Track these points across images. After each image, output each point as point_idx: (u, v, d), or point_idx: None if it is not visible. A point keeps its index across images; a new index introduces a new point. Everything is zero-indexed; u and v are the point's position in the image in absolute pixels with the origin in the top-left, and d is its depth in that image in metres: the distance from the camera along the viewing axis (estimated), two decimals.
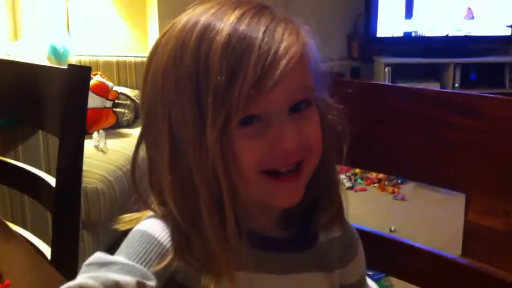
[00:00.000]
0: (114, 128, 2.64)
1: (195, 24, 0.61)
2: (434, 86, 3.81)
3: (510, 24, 3.83)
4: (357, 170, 3.47)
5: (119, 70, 2.90)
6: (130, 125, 2.72)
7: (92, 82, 2.49)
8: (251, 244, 0.66)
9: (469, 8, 3.86)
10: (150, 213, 0.66)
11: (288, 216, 0.70)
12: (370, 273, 2.55)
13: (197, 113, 0.60)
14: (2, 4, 2.79)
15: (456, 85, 3.84)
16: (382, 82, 3.79)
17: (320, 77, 0.67)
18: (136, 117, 2.74)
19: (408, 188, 3.32)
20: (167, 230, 0.62)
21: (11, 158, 1.57)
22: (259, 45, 0.58)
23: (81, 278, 0.54)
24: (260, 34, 0.59)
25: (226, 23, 0.60)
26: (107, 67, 2.90)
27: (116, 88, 2.69)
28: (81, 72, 1.16)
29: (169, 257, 0.60)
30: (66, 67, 1.18)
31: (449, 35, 3.91)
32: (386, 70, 3.87)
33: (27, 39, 2.81)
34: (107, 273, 0.55)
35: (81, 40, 3.10)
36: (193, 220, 0.61)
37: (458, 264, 0.86)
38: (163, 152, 0.63)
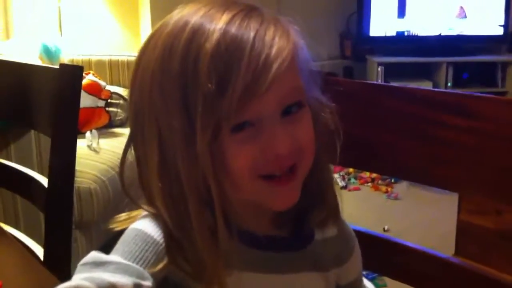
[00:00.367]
0: (107, 128, 2.63)
1: (184, 27, 0.60)
2: (427, 85, 3.82)
3: (502, 24, 3.85)
4: (351, 170, 3.48)
5: (112, 69, 2.89)
6: (123, 124, 2.71)
7: (84, 82, 2.48)
8: (246, 244, 0.66)
9: (461, 7, 3.87)
10: (145, 212, 0.65)
11: (283, 216, 0.69)
12: (364, 272, 2.55)
13: (186, 120, 0.59)
14: None
15: (449, 84, 3.86)
16: (374, 82, 3.80)
17: (311, 76, 0.67)
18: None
19: (402, 187, 3.33)
20: (162, 229, 0.62)
21: (3, 158, 1.56)
22: (249, 51, 0.57)
23: (76, 278, 0.54)
24: (250, 39, 0.58)
25: (216, 27, 0.58)
26: (99, 66, 2.89)
27: (108, 87, 2.68)
28: (74, 72, 1.16)
29: (165, 260, 0.60)
30: (58, 66, 1.17)
31: (442, 34, 3.92)
32: (378, 69, 3.87)
33: (19, 38, 2.79)
34: (103, 274, 0.54)
35: (73, 39, 3.09)
36: (183, 226, 0.60)
37: (451, 264, 0.86)
38: (151, 157, 0.62)
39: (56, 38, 2.88)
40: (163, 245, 0.60)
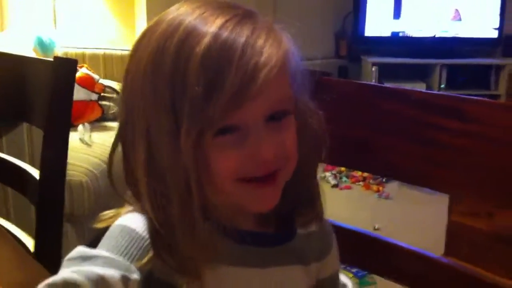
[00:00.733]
0: (99, 121, 2.63)
1: (177, 27, 0.60)
2: (420, 87, 3.83)
3: (497, 27, 3.87)
4: (343, 168, 3.49)
5: (106, 63, 2.88)
6: (116, 118, 2.70)
7: (78, 75, 2.47)
8: (229, 238, 0.66)
9: (456, 10, 3.89)
10: (130, 208, 0.66)
11: (267, 216, 0.70)
12: (353, 270, 2.56)
13: (173, 120, 0.59)
14: None
15: (442, 85, 3.87)
16: (369, 83, 3.81)
17: (301, 82, 0.67)
18: None
19: (393, 187, 3.34)
20: (147, 224, 0.63)
21: None
22: (238, 57, 0.58)
23: (64, 272, 0.54)
24: (241, 45, 0.58)
25: (208, 30, 0.59)
26: (93, 59, 2.88)
27: (102, 81, 2.67)
28: (67, 65, 1.16)
29: (151, 253, 0.60)
30: (52, 59, 1.17)
31: (436, 36, 3.93)
32: (373, 69, 3.89)
33: (13, 30, 2.78)
34: (90, 267, 0.55)
35: (67, 32, 3.08)
36: (166, 222, 0.61)
37: (441, 264, 0.87)
38: (139, 154, 0.62)
39: (51, 31, 2.87)
40: (148, 240, 0.61)
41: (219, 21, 0.59)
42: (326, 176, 3.41)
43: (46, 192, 1.17)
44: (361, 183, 3.43)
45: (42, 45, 2.72)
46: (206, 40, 0.58)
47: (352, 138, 0.94)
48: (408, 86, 3.66)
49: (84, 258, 0.57)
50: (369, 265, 0.98)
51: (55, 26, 3.07)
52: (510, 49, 3.93)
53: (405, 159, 0.88)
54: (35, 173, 1.21)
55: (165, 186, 0.61)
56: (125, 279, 0.56)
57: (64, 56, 2.77)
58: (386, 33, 3.95)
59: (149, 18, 3.15)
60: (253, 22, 0.61)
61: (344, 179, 3.47)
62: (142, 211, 0.63)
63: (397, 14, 3.92)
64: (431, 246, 2.20)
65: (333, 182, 3.38)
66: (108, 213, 0.67)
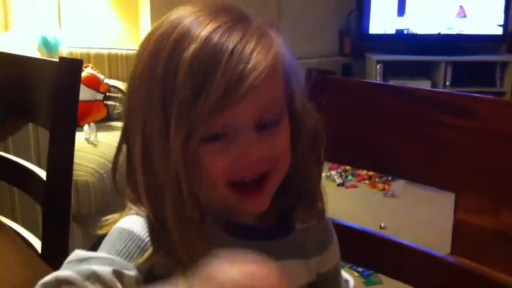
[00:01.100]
0: (105, 121, 2.63)
1: (173, 30, 0.62)
2: (425, 84, 3.83)
3: (501, 23, 3.85)
4: (348, 167, 3.48)
5: (111, 62, 2.89)
6: (121, 118, 2.70)
7: (83, 75, 2.48)
8: (228, 233, 0.68)
9: (461, 7, 3.88)
10: (130, 212, 0.68)
11: (265, 213, 0.71)
12: (359, 269, 2.56)
13: (164, 121, 0.61)
14: None
15: (447, 83, 3.86)
16: (373, 81, 3.80)
17: (296, 84, 0.68)
18: None
19: (398, 185, 3.33)
20: (146, 225, 0.65)
21: (1, 151, 1.56)
22: (225, 63, 0.59)
23: (57, 271, 0.56)
24: (228, 51, 0.59)
25: (199, 35, 0.60)
26: (98, 59, 2.89)
27: (107, 80, 2.68)
28: (73, 65, 1.16)
29: (149, 251, 0.63)
30: (57, 59, 1.17)
31: (441, 33, 3.92)
32: (377, 67, 3.88)
33: (18, 30, 2.79)
34: (86, 266, 0.57)
35: (72, 32, 3.08)
36: (162, 218, 0.63)
37: (446, 262, 0.87)
38: (136, 151, 0.65)
39: (55, 31, 2.87)
40: (146, 240, 0.63)
41: (210, 26, 0.61)
42: (331, 174, 3.41)
43: (53, 192, 1.18)
44: (366, 181, 3.43)
45: (46, 45, 2.73)
46: (196, 44, 0.60)
47: (358, 137, 0.94)
48: (413, 83, 3.66)
49: (81, 260, 0.59)
50: (375, 264, 0.98)
51: (60, 25, 3.08)
52: None
53: (411, 157, 0.88)
54: (42, 173, 1.21)
55: (158, 182, 0.63)
56: (118, 274, 0.57)
57: (69, 56, 2.78)
58: (391, 30, 3.94)
59: (153, 17, 3.15)
60: (244, 28, 0.62)
61: (349, 177, 3.47)
62: (141, 211, 0.66)
63: (401, 11, 3.91)
64: (437, 244, 2.20)
65: (338, 180, 3.38)
66: (109, 218, 0.69)
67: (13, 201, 2.04)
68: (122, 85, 2.77)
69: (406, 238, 0.92)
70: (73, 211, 2.04)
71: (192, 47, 0.60)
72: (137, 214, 0.66)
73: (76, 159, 1.19)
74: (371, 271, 2.31)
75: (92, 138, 2.36)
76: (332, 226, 0.80)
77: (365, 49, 4.11)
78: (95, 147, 2.31)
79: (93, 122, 2.47)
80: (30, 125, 2.04)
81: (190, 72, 0.59)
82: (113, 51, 2.89)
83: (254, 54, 0.60)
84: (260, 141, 0.63)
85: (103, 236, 0.66)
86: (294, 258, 0.73)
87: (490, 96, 0.83)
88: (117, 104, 2.73)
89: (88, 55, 2.90)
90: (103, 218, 0.69)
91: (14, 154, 1.42)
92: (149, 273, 0.62)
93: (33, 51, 2.65)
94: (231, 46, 0.60)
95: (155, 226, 0.64)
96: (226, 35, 0.60)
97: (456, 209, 2.24)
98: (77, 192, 2.05)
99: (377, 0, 3.90)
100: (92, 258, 0.59)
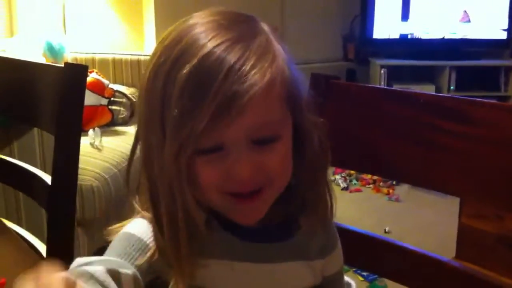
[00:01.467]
0: (109, 126, 2.64)
1: (176, 45, 0.62)
2: (430, 89, 3.82)
3: (505, 28, 3.85)
4: (352, 171, 3.48)
5: (115, 67, 2.90)
6: (125, 123, 2.72)
7: (88, 80, 2.48)
8: (232, 235, 0.69)
9: (465, 11, 3.88)
10: (135, 217, 0.69)
11: (269, 213, 0.70)
12: (364, 273, 2.56)
13: (160, 134, 0.62)
14: None
15: (452, 87, 3.86)
16: (377, 85, 3.80)
17: (299, 97, 0.67)
18: (131, 115, 2.74)
19: (403, 189, 3.33)
20: (150, 228, 0.66)
21: (6, 155, 1.56)
22: (219, 83, 0.58)
23: None
24: (224, 72, 0.59)
25: (199, 51, 0.60)
26: (103, 64, 2.90)
27: (112, 85, 2.69)
28: (78, 70, 1.16)
29: (150, 252, 0.64)
30: (62, 64, 1.18)
31: (445, 37, 3.92)
32: (381, 72, 3.88)
33: (23, 35, 2.80)
34: (79, 268, 0.58)
35: (77, 37, 3.09)
36: (160, 224, 0.65)
37: (451, 267, 0.87)
38: (141, 158, 0.67)
39: (60, 36, 2.88)
40: (148, 242, 0.65)
41: (211, 43, 0.60)
42: (335, 179, 3.41)
43: (58, 197, 1.18)
44: (371, 186, 3.43)
45: (51, 50, 2.74)
46: (194, 62, 0.60)
47: (362, 141, 0.94)
48: (417, 88, 3.66)
49: (81, 265, 0.60)
50: (379, 268, 0.98)
51: (65, 31, 3.09)
52: None
53: (415, 162, 0.89)
54: (47, 178, 1.22)
55: (156, 189, 0.65)
56: (112, 272, 0.58)
57: (74, 61, 2.79)
58: (395, 35, 3.94)
59: (157, 23, 3.16)
60: (245, 46, 0.61)
61: (354, 182, 3.47)
62: (147, 214, 0.68)
63: (405, 16, 3.91)
64: (442, 248, 2.20)
65: (342, 185, 3.38)
66: (118, 224, 0.70)
67: (18, 205, 2.05)
68: (126, 90, 2.78)
69: (410, 242, 0.92)
70: (77, 215, 2.05)
71: (189, 65, 0.60)
72: (143, 217, 0.68)
73: (80, 164, 1.19)
74: (376, 276, 2.31)
75: (96, 143, 2.37)
76: (336, 231, 0.79)
77: (369, 54, 4.11)
78: (100, 152, 2.31)
79: (97, 127, 2.48)
80: (35, 130, 2.05)
81: (185, 89, 0.59)
82: (117, 56, 2.90)
83: (250, 75, 0.59)
84: (252, 158, 0.62)
85: (108, 241, 0.67)
86: (297, 260, 0.74)
87: (494, 101, 0.83)
88: (122, 109, 2.73)
89: (93, 60, 2.91)
90: (110, 227, 0.70)
91: (19, 159, 1.43)
92: (150, 272, 0.64)
93: (38, 56, 2.66)
94: (227, 65, 0.59)
95: (156, 228, 0.66)
96: (226, 53, 0.60)
97: (461, 213, 2.24)
98: (81, 197, 2.05)
99: (381, 5, 3.91)
100: (91, 262, 0.60)
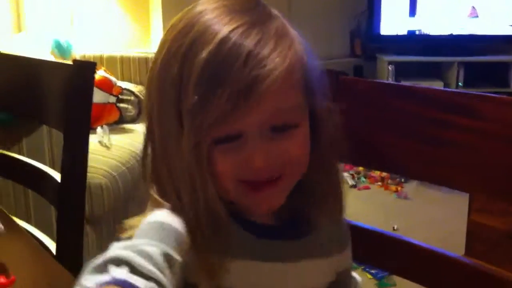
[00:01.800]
0: (117, 124, 2.64)
1: (189, 31, 0.61)
2: (438, 85, 3.80)
3: None
4: (360, 168, 3.48)
5: (123, 65, 2.90)
6: (133, 120, 2.72)
7: (96, 77, 2.49)
8: (249, 232, 0.67)
9: (473, 7, 3.86)
10: (153, 211, 0.65)
11: (282, 210, 0.70)
12: (373, 271, 2.55)
13: (177, 121, 0.61)
14: None
15: (460, 84, 3.84)
16: (384, 81, 3.79)
17: (317, 87, 0.67)
18: (139, 113, 2.74)
19: (411, 186, 3.32)
20: (178, 220, 0.62)
21: (15, 153, 1.57)
22: (238, 68, 0.58)
23: (113, 249, 0.54)
24: (243, 57, 0.58)
25: (216, 35, 0.59)
26: (111, 62, 2.90)
27: (120, 83, 2.69)
28: (86, 68, 1.17)
29: (186, 243, 0.60)
30: (70, 62, 1.18)
31: (453, 33, 3.90)
32: (389, 68, 3.86)
33: (30, 32, 2.80)
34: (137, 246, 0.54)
35: (85, 35, 3.10)
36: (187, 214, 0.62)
37: (461, 263, 0.86)
38: (157, 149, 0.65)
39: (68, 34, 2.89)
40: (183, 233, 0.61)
41: (226, 28, 0.59)
42: (344, 176, 3.40)
43: (67, 195, 1.19)
44: (379, 183, 3.42)
45: (59, 48, 2.75)
46: (210, 48, 0.58)
47: (370, 138, 0.94)
48: (425, 84, 3.64)
49: (126, 247, 0.55)
50: (389, 266, 0.97)
51: (73, 29, 3.10)
52: None
53: (423, 158, 0.88)
54: (56, 175, 1.22)
55: (172, 180, 0.63)
56: (167, 256, 0.55)
57: (82, 59, 2.79)
58: (402, 31, 3.92)
59: (164, 21, 3.16)
60: (262, 30, 0.60)
61: (362, 179, 3.46)
62: (167, 206, 0.64)
63: (412, 12, 3.89)
64: (451, 245, 2.19)
65: (351, 182, 3.37)
66: (130, 219, 0.66)
67: (28, 203, 2.05)
68: (134, 88, 2.78)
69: (419, 239, 0.91)
70: (86, 213, 2.05)
71: (206, 50, 0.58)
72: (162, 209, 0.63)
73: (89, 162, 1.19)
74: (385, 273, 2.31)
75: (105, 141, 2.37)
76: (348, 227, 0.79)
77: (377, 50, 4.10)
78: (108, 149, 2.32)
79: (106, 124, 2.48)
80: (44, 127, 2.06)
81: (203, 76, 0.58)
82: (125, 54, 2.91)
83: (270, 59, 0.59)
84: (270, 147, 0.62)
85: (117, 239, 0.64)
86: (315, 257, 0.73)
87: (503, 96, 0.83)
88: (130, 106, 2.74)
89: (101, 58, 2.92)
90: (132, 219, 0.65)
91: (28, 157, 1.43)
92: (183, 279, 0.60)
93: (45, 52, 2.66)
94: (246, 50, 0.58)
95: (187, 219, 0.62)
96: (243, 37, 0.59)
97: (470, 210, 2.23)
98: (90, 195, 2.06)
99: (388, 1, 3.89)
100: (135, 245, 0.55)
